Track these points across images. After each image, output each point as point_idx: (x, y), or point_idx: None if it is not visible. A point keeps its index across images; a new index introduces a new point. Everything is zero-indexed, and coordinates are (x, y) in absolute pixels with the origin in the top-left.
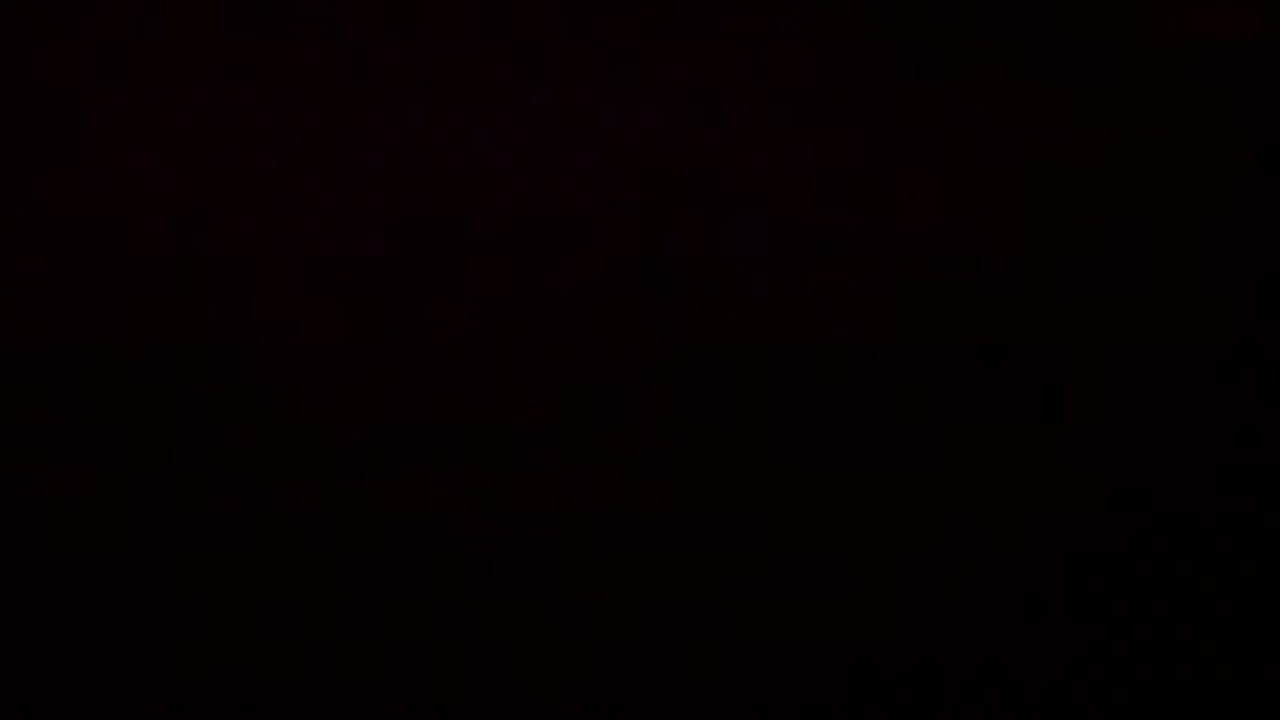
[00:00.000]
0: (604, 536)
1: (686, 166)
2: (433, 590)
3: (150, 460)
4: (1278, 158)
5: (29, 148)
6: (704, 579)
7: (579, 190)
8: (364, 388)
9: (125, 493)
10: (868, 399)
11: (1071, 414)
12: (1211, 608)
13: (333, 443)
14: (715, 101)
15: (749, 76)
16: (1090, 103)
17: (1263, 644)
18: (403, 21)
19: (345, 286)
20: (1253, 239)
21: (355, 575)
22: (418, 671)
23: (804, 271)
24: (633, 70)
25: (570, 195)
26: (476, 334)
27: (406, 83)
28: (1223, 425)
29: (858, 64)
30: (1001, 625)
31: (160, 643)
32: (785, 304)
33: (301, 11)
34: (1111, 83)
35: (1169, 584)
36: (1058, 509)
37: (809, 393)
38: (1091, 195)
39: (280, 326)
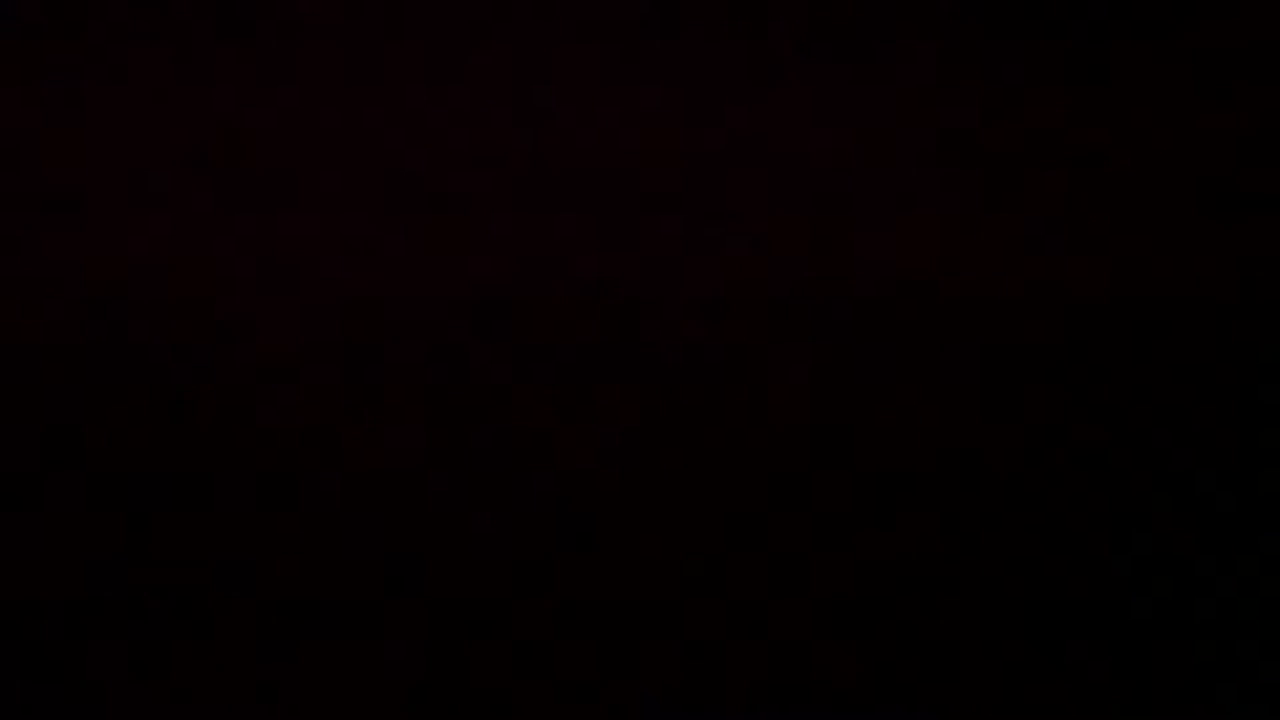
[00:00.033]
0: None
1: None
2: (432, 589)
3: (150, 460)
4: (1278, 157)
5: (28, 147)
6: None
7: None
8: (364, 387)
9: (125, 493)
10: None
11: (1072, 419)
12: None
13: (333, 442)
14: (718, 99)
15: (766, 74)
16: (1090, 102)
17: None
18: (404, 21)
19: (346, 286)
20: (1254, 238)
21: (355, 574)
22: (413, 669)
23: (803, 270)
24: (633, 70)
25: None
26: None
27: (408, 83)
28: (1223, 431)
29: (857, 64)
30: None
31: (161, 642)
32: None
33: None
34: (1112, 82)
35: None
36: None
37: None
38: (1091, 194)
39: (280, 326)
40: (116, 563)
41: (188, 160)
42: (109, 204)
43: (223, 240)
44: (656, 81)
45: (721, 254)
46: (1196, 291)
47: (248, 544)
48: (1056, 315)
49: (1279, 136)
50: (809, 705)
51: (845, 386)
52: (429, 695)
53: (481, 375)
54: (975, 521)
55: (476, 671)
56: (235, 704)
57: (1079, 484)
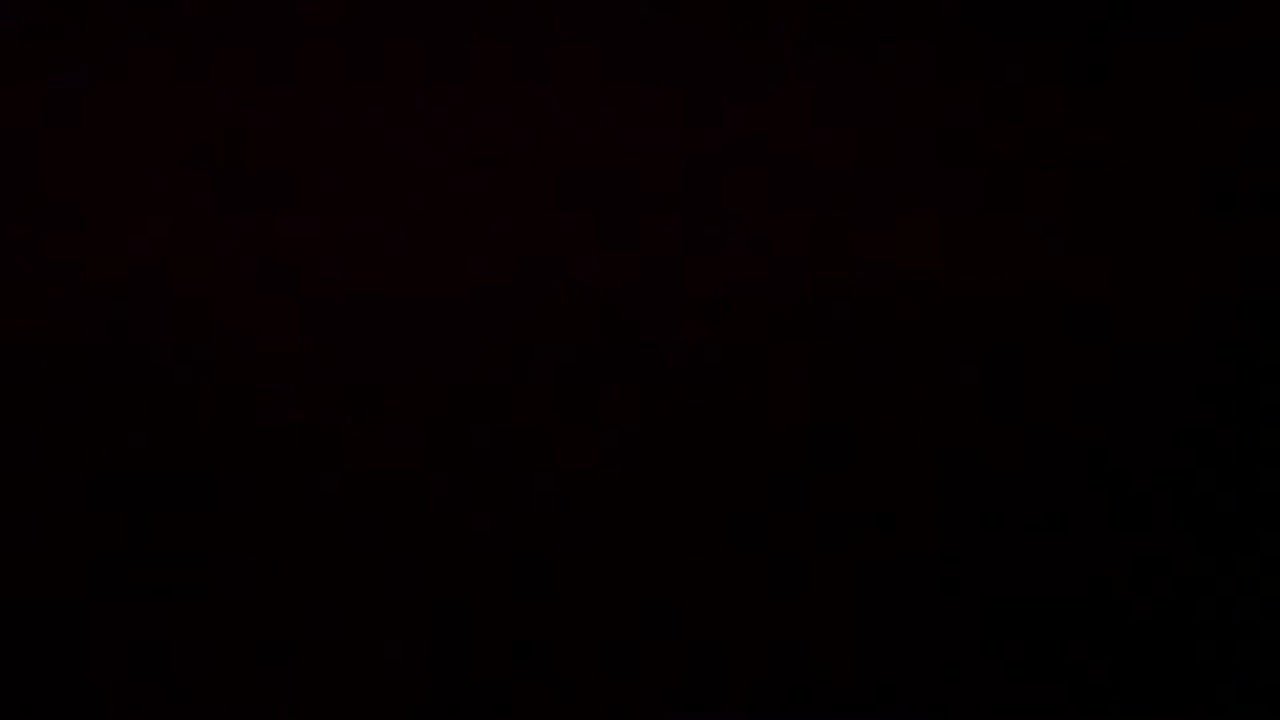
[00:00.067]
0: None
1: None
2: (432, 588)
3: (148, 460)
4: (1278, 159)
5: (28, 147)
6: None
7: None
8: (364, 387)
9: (125, 493)
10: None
11: (1072, 419)
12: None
13: (333, 442)
14: (717, 98)
15: (766, 74)
16: (1090, 102)
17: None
18: (404, 21)
19: (346, 286)
20: (1253, 238)
21: (355, 574)
22: (406, 668)
23: (803, 270)
24: (633, 70)
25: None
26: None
27: (408, 83)
28: (1222, 436)
29: (857, 64)
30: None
31: (161, 642)
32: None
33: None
34: (1112, 82)
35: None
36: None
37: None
38: (1091, 194)
39: (280, 326)
40: (116, 562)
41: (188, 160)
42: (109, 204)
43: (223, 240)
44: (656, 81)
45: (721, 254)
46: (1196, 291)
47: (248, 544)
48: (1056, 315)
49: (1279, 136)
50: (809, 705)
51: (845, 386)
52: (429, 695)
53: (481, 375)
54: (975, 521)
55: (476, 671)
56: (235, 704)
57: (1079, 484)
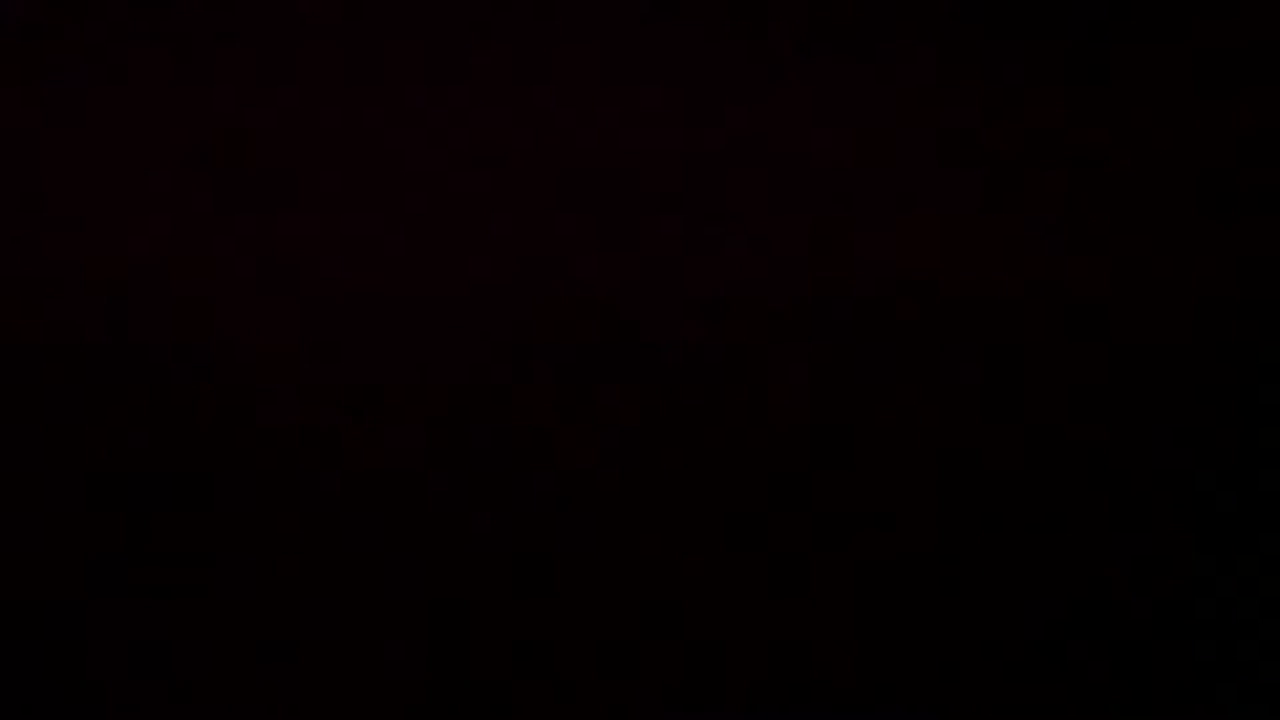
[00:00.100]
0: (598, 509)
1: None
2: (432, 588)
3: (147, 460)
4: (1278, 158)
5: (28, 147)
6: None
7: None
8: (364, 387)
9: (125, 492)
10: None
11: (1072, 419)
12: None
13: (333, 442)
14: (717, 98)
15: (763, 73)
16: (1090, 102)
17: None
18: (404, 21)
19: (346, 286)
20: (1253, 238)
21: (353, 573)
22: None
23: (803, 270)
24: (633, 70)
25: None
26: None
27: (408, 83)
28: (1222, 436)
29: (857, 64)
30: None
31: (161, 642)
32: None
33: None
34: (1112, 82)
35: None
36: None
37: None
38: (1092, 194)
39: (280, 326)
40: (116, 562)
41: (188, 160)
42: (109, 204)
43: (223, 240)
44: (656, 81)
45: (721, 254)
46: (1196, 291)
47: (248, 544)
48: (1056, 315)
49: (1279, 136)
50: (809, 705)
51: (845, 386)
52: (429, 695)
53: (481, 375)
54: (975, 521)
55: (476, 671)
56: (235, 704)
57: (1079, 484)
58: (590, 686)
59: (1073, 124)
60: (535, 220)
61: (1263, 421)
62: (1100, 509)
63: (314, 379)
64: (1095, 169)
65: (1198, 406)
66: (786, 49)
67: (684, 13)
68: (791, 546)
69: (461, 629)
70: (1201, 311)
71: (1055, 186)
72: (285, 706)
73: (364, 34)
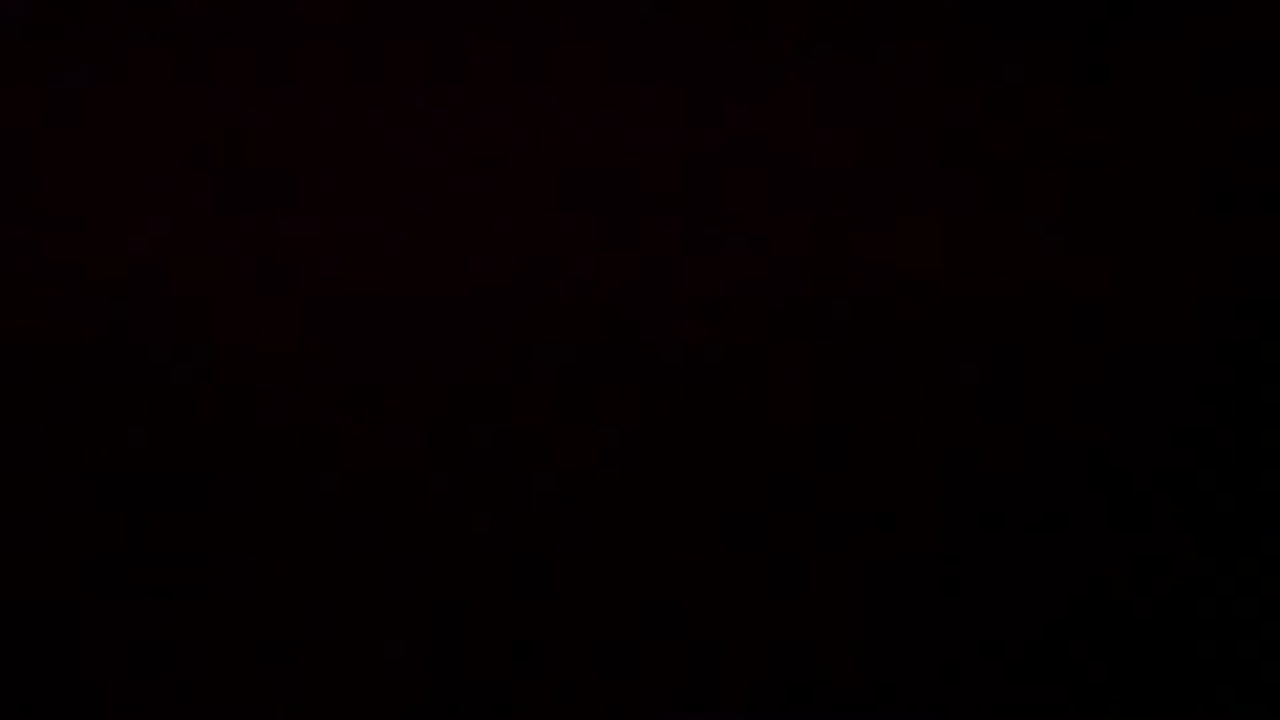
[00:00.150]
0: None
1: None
2: (432, 588)
3: (147, 460)
4: (1278, 158)
5: (28, 147)
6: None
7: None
8: (364, 387)
9: (125, 492)
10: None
11: (1072, 419)
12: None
13: (333, 442)
14: (717, 98)
15: (762, 74)
16: (1090, 102)
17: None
18: (404, 21)
19: (346, 285)
20: (1253, 238)
21: (354, 573)
22: (403, 664)
23: (803, 270)
24: (633, 70)
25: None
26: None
27: (408, 83)
28: (1222, 436)
29: (857, 64)
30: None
31: (161, 642)
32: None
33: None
34: (1112, 82)
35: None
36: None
37: None
38: (1091, 194)
39: (280, 326)
40: (116, 562)
41: (188, 160)
42: (109, 204)
43: (223, 240)
44: (656, 81)
45: (721, 254)
46: (1196, 291)
47: (248, 544)
48: (1056, 315)
49: (1279, 136)
50: (809, 705)
51: (845, 386)
52: (429, 695)
53: (481, 375)
54: (975, 521)
55: (476, 671)
56: (235, 704)
57: (1079, 484)
58: (590, 686)
59: (1073, 124)
60: (535, 220)
61: (1263, 421)
62: (1100, 509)
63: (314, 379)
64: (1095, 169)
65: (1198, 406)
66: (786, 49)
67: (684, 13)
68: (791, 546)
69: (461, 629)
70: (1201, 311)
71: (1055, 186)
72: (285, 706)
73: (364, 34)
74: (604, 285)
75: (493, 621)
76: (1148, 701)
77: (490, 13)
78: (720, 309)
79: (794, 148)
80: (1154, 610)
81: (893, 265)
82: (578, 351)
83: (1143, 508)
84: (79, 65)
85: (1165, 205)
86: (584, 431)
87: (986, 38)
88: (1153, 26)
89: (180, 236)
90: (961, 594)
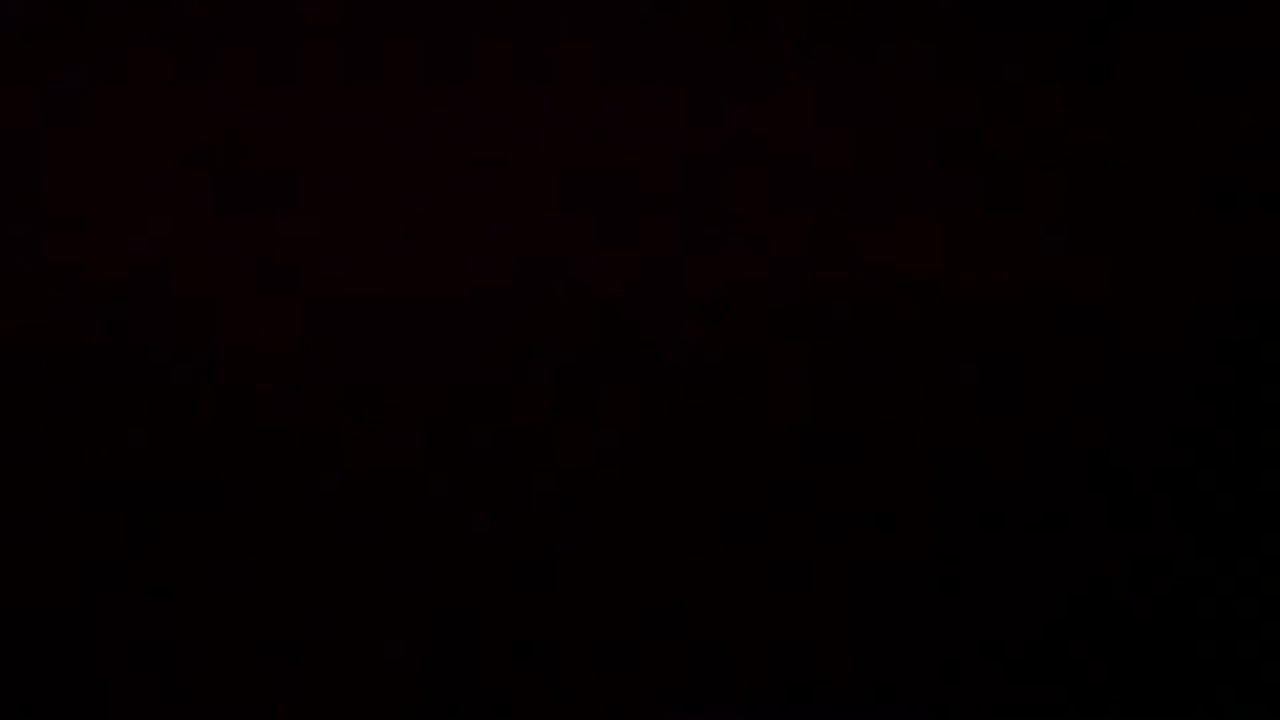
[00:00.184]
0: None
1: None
2: (432, 588)
3: (147, 460)
4: (1278, 158)
5: (28, 147)
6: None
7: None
8: (364, 387)
9: (125, 492)
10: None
11: (1072, 419)
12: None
13: (333, 442)
14: (717, 98)
15: (764, 74)
16: (1090, 102)
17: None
18: (404, 21)
19: (346, 285)
20: (1253, 238)
21: (355, 573)
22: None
23: (803, 270)
24: (633, 70)
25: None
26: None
27: (408, 83)
28: (1222, 436)
29: (857, 64)
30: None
31: (161, 642)
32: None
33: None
34: (1112, 82)
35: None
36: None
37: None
38: (1092, 194)
39: (280, 326)
40: (116, 562)
41: (188, 160)
42: (109, 204)
43: (223, 240)
44: (656, 81)
45: (721, 254)
46: (1196, 291)
47: (248, 544)
48: (1056, 315)
49: (1279, 136)
50: (809, 705)
51: (845, 386)
52: (429, 695)
53: (481, 375)
54: (975, 521)
55: (476, 671)
56: (235, 704)
57: (1079, 484)
58: (590, 686)
59: (1073, 124)
60: (535, 220)
61: (1263, 421)
62: (1100, 509)
63: (314, 379)
64: (1095, 169)
65: (1198, 406)
66: (786, 49)
67: (684, 13)
68: (791, 546)
69: (461, 629)
70: (1201, 311)
71: (1055, 186)
72: (285, 706)
73: (364, 34)
74: (604, 285)
75: (493, 621)
76: (1148, 701)
77: (490, 13)
78: (720, 309)
79: (794, 148)
80: (1154, 610)
81: (893, 265)
82: (578, 351)
83: (1143, 508)
84: (79, 65)
85: (1165, 205)
86: (584, 431)
87: (986, 38)
88: (1153, 26)
89: (180, 236)
90: (961, 594)
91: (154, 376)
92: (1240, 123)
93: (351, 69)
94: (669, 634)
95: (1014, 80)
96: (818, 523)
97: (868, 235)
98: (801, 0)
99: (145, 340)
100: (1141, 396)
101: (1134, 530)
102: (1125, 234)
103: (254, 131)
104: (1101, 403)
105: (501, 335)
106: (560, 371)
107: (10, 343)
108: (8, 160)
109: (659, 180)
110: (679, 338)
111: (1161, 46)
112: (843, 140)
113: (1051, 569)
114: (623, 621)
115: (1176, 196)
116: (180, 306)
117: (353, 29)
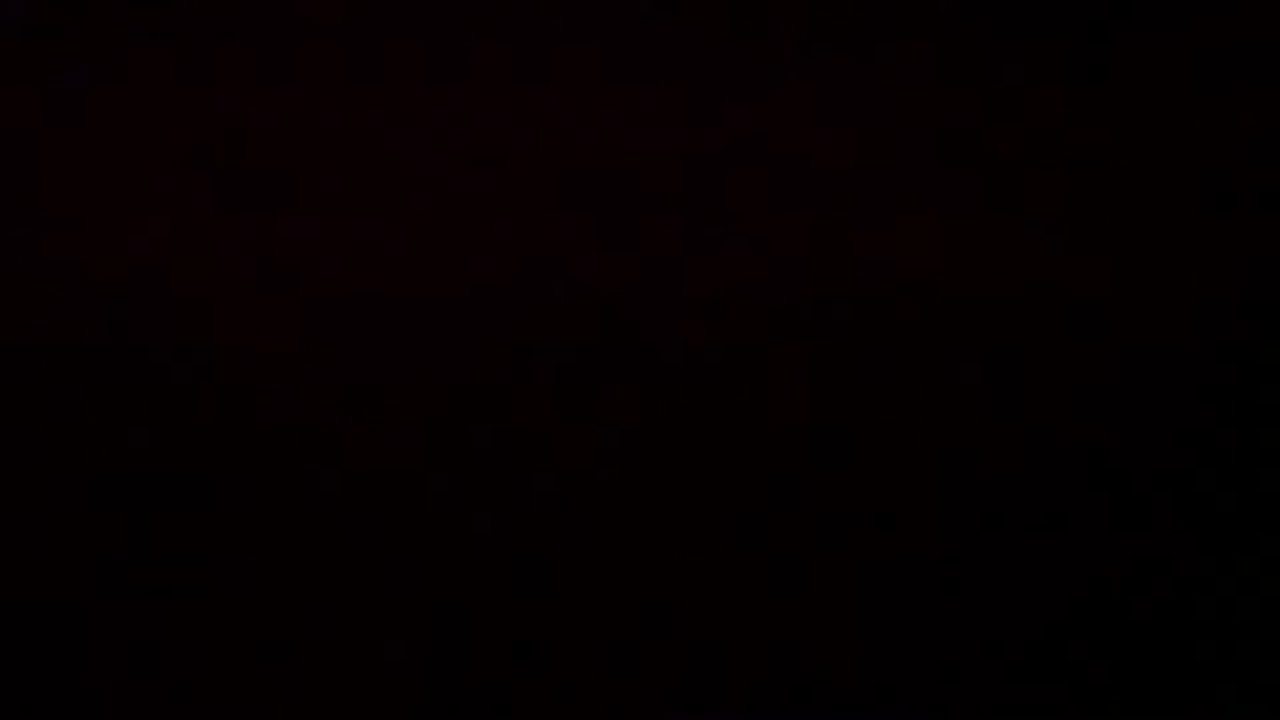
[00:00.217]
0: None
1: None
2: (432, 588)
3: (147, 460)
4: (1278, 157)
5: (28, 147)
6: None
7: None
8: (364, 387)
9: (125, 492)
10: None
11: (1072, 419)
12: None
13: (333, 442)
14: (717, 98)
15: (763, 74)
16: (1090, 102)
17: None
18: (404, 21)
19: (346, 285)
20: (1254, 238)
21: (355, 573)
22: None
23: (803, 270)
24: (633, 70)
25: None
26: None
27: (408, 83)
28: (1222, 436)
29: (857, 64)
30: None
31: (161, 642)
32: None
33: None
34: (1112, 82)
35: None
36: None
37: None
38: (1092, 194)
39: (280, 326)
40: (116, 562)
41: (188, 160)
42: (109, 204)
43: (223, 240)
44: (656, 81)
45: (721, 254)
46: (1196, 291)
47: (248, 544)
48: (1056, 315)
49: (1279, 136)
50: (809, 705)
51: (845, 386)
52: (429, 695)
53: (481, 375)
54: (975, 521)
55: (476, 671)
56: (235, 704)
57: (1079, 484)
58: (590, 686)
59: (1073, 124)
60: (535, 220)
61: (1263, 421)
62: (1100, 509)
63: (314, 379)
64: (1095, 169)
65: (1198, 406)
66: (786, 49)
67: (684, 13)
68: (791, 546)
69: (461, 629)
70: (1201, 311)
71: (1055, 186)
72: (285, 706)
73: (364, 34)
74: (604, 285)
75: (493, 621)
76: (1148, 701)
77: (490, 13)
78: (720, 309)
79: (794, 148)
80: (1154, 610)
81: (893, 265)
82: (578, 351)
83: (1143, 508)
84: (79, 65)
85: (1165, 205)
86: (584, 431)
87: (986, 38)
88: (1153, 26)
89: (180, 236)
90: (961, 594)
91: (154, 376)
92: (1240, 123)
93: (351, 69)
94: (669, 634)
95: (1014, 80)
96: (818, 523)
97: (868, 235)
98: (801, 0)
99: (145, 340)
100: (1141, 396)
101: (1134, 530)
102: (1125, 234)
103: (254, 131)
104: (1101, 403)
105: (501, 335)
106: (560, 371)
107: (10, 343)
108: (8, 160)
109: (659, 180)
110: (679, 338)
111: (1161, 46)
112: (843, 140)
113: (1051, 569)
114: (623, 621)
115: (1176, 196)
116: (180, 306)
117: (353, 29)
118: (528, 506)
